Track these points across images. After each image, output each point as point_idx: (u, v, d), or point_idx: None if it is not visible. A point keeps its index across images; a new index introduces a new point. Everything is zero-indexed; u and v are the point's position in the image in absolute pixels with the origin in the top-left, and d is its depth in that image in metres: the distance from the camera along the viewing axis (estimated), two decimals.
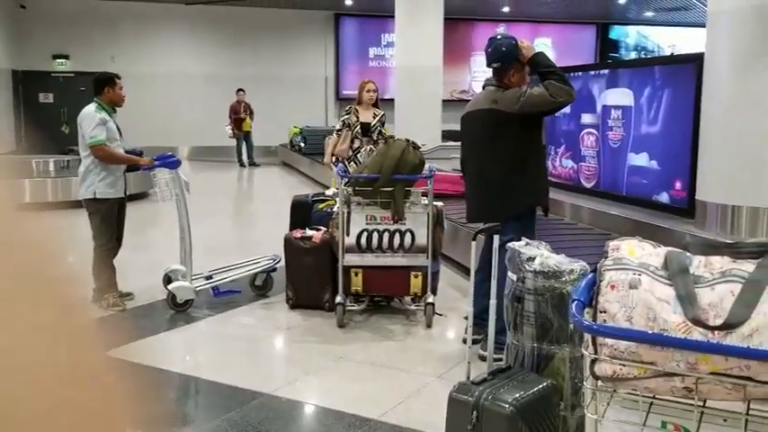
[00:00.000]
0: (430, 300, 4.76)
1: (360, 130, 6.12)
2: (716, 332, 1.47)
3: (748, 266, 1.54)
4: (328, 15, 18.24)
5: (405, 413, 3.45)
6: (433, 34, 11.61)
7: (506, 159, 4.03)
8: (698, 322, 1.49)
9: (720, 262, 1.58)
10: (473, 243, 3.21)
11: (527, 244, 2.87)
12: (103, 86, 5.09)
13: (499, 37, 4.34)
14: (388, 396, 3.65)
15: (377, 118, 6.18)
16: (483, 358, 3.67)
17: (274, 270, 5.48)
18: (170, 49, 17.33)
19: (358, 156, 6.06)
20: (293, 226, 5.53)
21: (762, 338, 1.43)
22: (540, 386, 2.41)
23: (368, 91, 6.18)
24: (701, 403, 1.60)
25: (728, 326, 1.46)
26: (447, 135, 11.78)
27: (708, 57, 5.44)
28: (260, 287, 5.47)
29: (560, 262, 2.68)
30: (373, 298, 5.09)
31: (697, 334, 1.48)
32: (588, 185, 7.25)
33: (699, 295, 1.52)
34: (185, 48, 17.47)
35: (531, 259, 2.71)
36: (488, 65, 4.17)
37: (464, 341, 4.06)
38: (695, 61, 5.72)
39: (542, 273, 2.65)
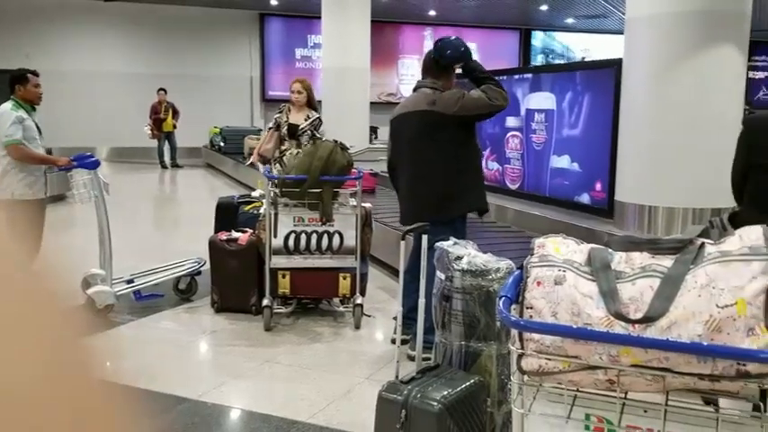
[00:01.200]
0: (359, 301, 4.75)
1: (287, 132, 5.73)
2: (636, 325, 1.52)
3: (667, 262, 1.59)
4: (253, 15, 18.01)
5: (333, 414, 3.42)
6: (359, 36, 11.63)
7: (442, 162, 4.02)
8: (619, 316, 1.53)
9: (640, 258, 1.63)
10: (402, 243, 3.22)
11: (455, 243, 2.89)
12: (15, 84, 4.87)
13: (453, 38, 4.24)
14: (317, 398, 3.62)
15: (308, 121, 5.71)
16: (412, 358, 3.69)
17: (199, 273, 5.36)
18: (89, 46, 16.75)
19: (283, 158, 5.64)
20: (218, 228, 5.42)
21: (680, 331, 1.48)
22: (468, 383, 2.43)
23: (293, 91, 5.76)
24: (623, 395, 1.64)
25: (648, 319, 1.50)
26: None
27: (626, 62, 5.63)
28: (184, 291, 5.34)
29: (487, 261, 2.72)
30: (301, 300, 5.04)
31: (618, 327, 1.52)
32: (513, 187, 7.40)
33: (620, 290, 1.56)
34: (105, 45, 16.92)
35: (459, 258, 2.74)
36: (448, 65, 4.09)
37: (393, 341, 4.06)
38: (614, 66, 5.91)
39: (470, 271, 2.68)
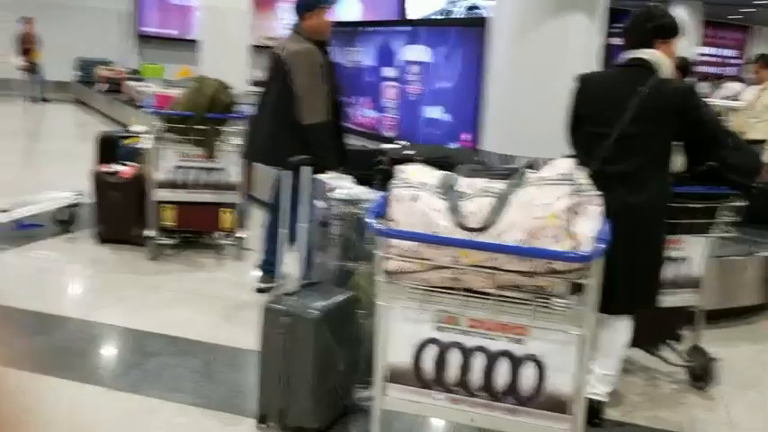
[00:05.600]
0: (239, 234, 5.02)
1: None
2: (474, 233, 1.94)
3: (500, 185, 2.02)
4: None
5: (217, 333, 3.72)
6: None
7: (274, 109, 4.02)
8: (461, 226, 1.95)
9: (480, 182, 2.06)
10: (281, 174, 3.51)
11: (332, 177, 3.24)
12: None
13: None
14: (202, 319, 3.90)
15: None
16: None
17: (77, 205, 5.42)
18: None
19: None
20: (100, 161, 5.47)
21: (506, 237, 1.91)
22: (343, 297, 2.81)
23: None
24: (465, 294, 2.07)
25: (483, 228, 1.93)
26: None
27: (493, 21, 6.10)
28: (64, 222, 5.38)
29: (361, 192, 3.09)
30: (183, 234, 5.23)
31: (460, 235, 1.94)
32: (389, 135, 7.80)
33: (463, 206, 1.98)
34: None
35: (337, 189, 3.10)
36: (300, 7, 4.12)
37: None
38: (482, 24, 6.38)
39: (346, 201, 3.04)
